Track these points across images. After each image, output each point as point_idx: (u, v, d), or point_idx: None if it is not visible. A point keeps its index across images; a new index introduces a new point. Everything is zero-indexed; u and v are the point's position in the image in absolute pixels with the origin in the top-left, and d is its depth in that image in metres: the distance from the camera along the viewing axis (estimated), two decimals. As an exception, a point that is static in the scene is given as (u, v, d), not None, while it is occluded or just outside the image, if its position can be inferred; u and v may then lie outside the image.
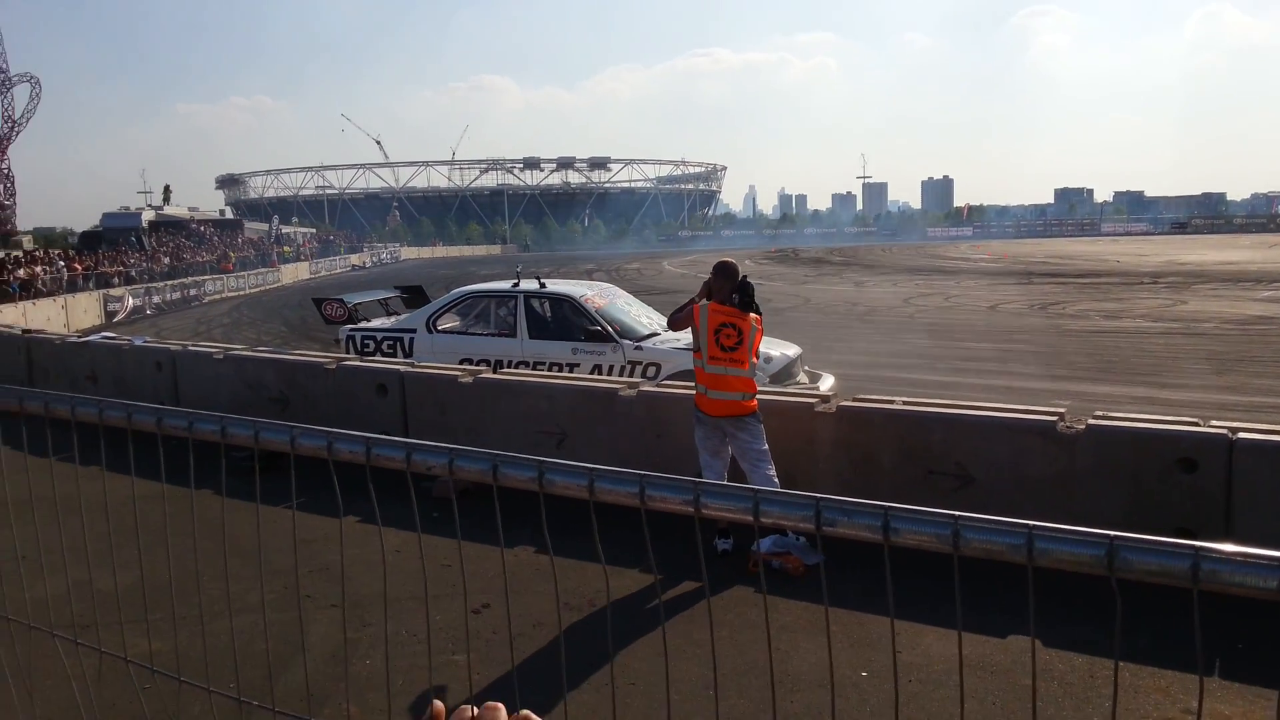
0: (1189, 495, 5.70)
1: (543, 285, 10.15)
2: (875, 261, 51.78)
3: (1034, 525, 1.32)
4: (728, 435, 6.04)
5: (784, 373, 9.14)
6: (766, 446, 6.00)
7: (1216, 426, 5.87)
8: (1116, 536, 1.19)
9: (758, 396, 6.10)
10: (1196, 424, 6.07)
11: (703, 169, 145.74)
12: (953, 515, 1.25)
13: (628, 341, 9.49)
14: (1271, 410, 10.38)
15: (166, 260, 41.56)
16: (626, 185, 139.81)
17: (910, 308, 24.12)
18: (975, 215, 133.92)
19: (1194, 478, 5.68)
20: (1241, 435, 5.67)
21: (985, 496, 6.16)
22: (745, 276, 6.18)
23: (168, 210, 67.28)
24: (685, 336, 9.89)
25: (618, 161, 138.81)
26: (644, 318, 10.32)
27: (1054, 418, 6.22)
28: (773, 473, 5.96)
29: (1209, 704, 4.05)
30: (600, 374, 9.17)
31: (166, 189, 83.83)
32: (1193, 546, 1.18)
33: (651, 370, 9.25)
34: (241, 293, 39.57)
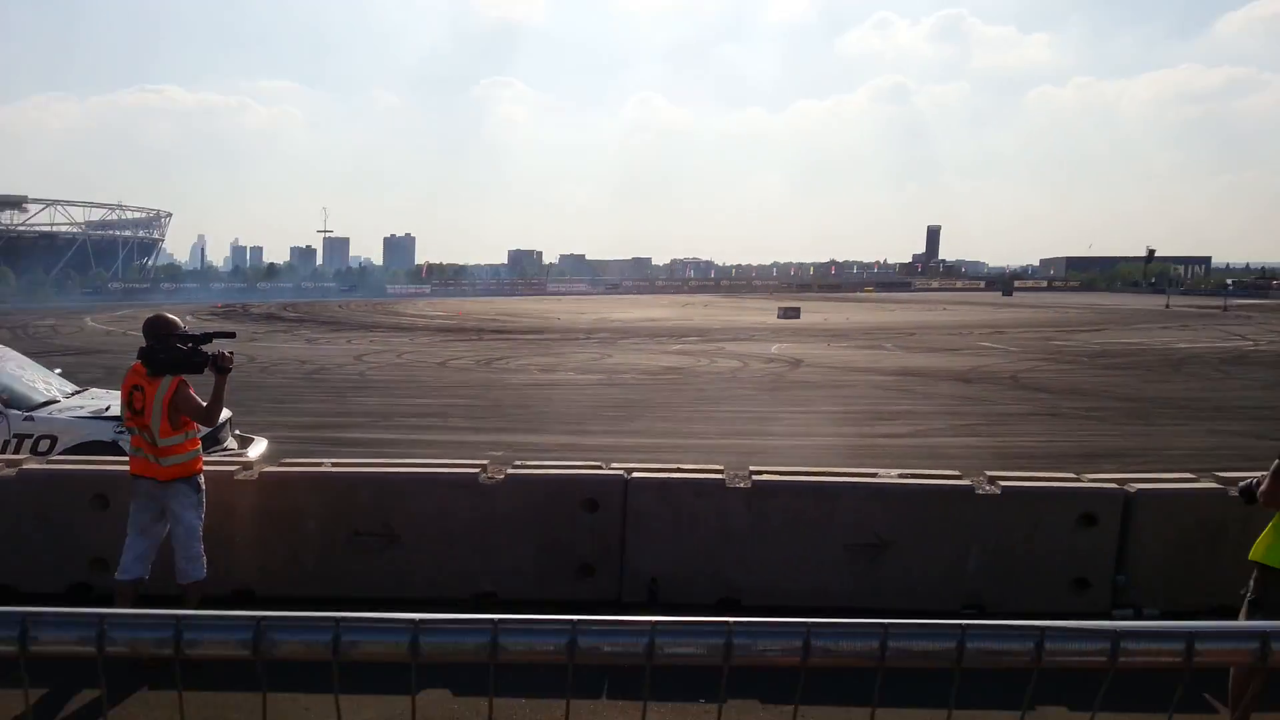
0: (591, 533, 6.25)
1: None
2: (332, 318, 51.00)
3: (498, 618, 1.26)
4: (163, 507, 5.36)
5: (208, 439, 8.44)
6: (198, 524, 5.40)
7: (615, 468, 6.53)
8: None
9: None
10: (599, 466, 6.71)
11: (143, 214, 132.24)
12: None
13: (15, 411, 8.13)
14: (669, 450, 11.93)
15: None
16: (47, 229, 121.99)
17: (363, 365, 24.04)
18: (435, 273, 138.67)
19: (595, 516, 6.24)
20: (635, 475, 6.37)
21: (411, 553, 6.19)
22: (188, 333, 5.53)
23: None
24: (91, 403, 8.74)
25: (37, 202, 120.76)
26: (40, 383, 8.93)
27: (477, 469, 6.46)
28: (200, 552, 5.38)
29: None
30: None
31: None
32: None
33: (45, 444, 8.00)
34: None
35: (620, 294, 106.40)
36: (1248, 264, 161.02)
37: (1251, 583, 4.11)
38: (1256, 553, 4.11)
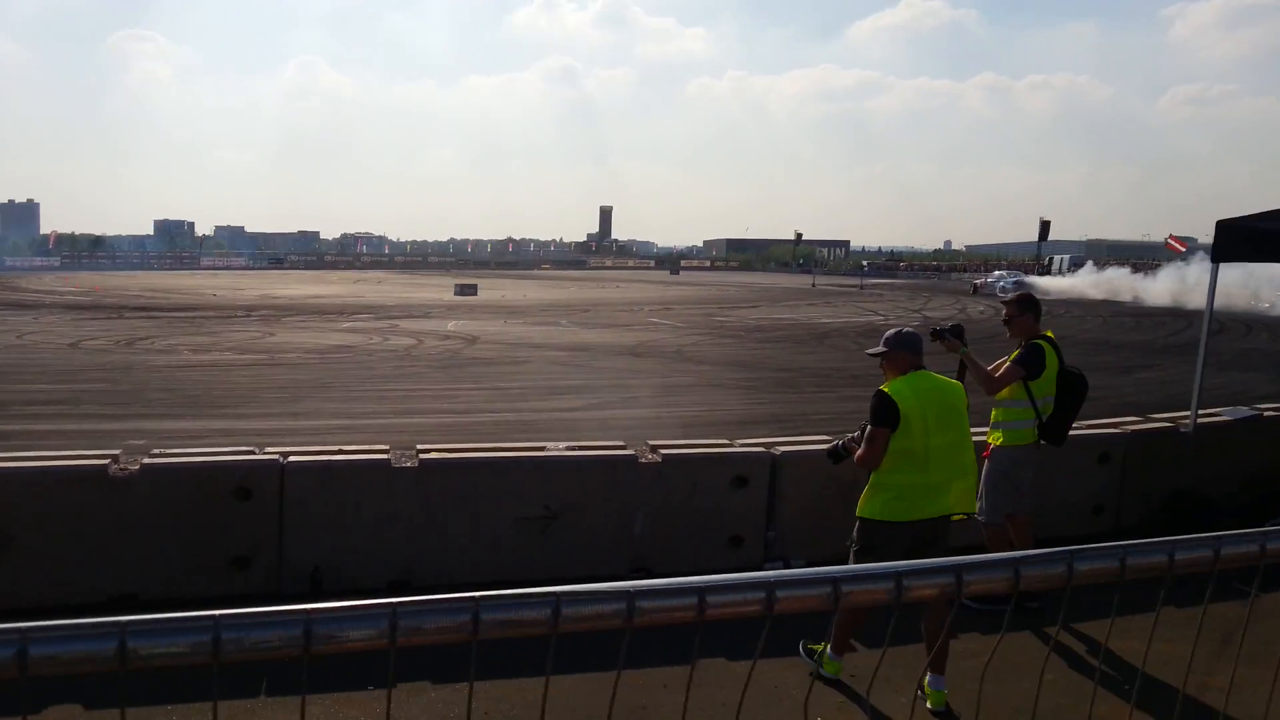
0: (245, 523, 5.79)
1: None
2: (-67, 294, 43.95)
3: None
4: None
5: None
6: None
7: (270, 453, 6.09)
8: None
9: None
10: (252, 452, 6.23)
11: None
12: None
13: None
14: (336, 431, 11.39)
15: None
16: None
17: (-28, 347, 20.88)
18: (65, 244, 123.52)
19: (249, 505, 5.78)
20: (293, 459, 5.97)
21: (28, 558, 5.41)
22: None
23: None
24: None
25: None
26: None
27: (106, 460, 5.77)
28: None
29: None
30: None
31: None
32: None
33: None
34: None
35: (286, 269, 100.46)
36: (879, 248, 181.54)
37: (855, 534, 4.76)
38: (859, 509, 4.74)
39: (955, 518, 4.77)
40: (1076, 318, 35.07)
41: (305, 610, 1.33)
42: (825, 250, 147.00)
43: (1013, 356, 5.92)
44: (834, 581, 1.54)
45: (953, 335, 5.65)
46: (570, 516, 6.17)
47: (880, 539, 4.63)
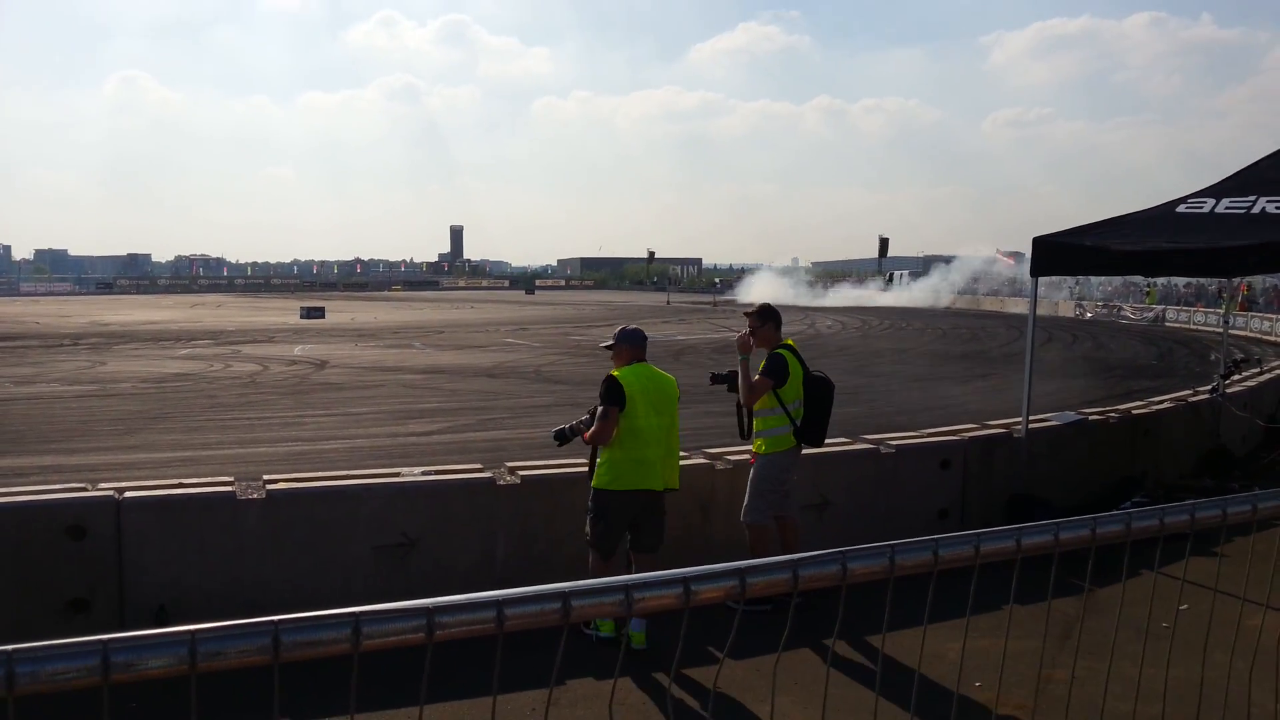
0: (80, 564, 5.46)
1: None
2: None
3: None
4: None
5: None
6: None
7: (104, 489, 5.76)
8: None
9: None
10: (84, 488, 5.88)
11: None
12: None
13: None
14: (177, 464, 10.85)
15: None
16: None
17: None
18: None
19: (84, 544, 5.46)
20: (129, 495, 5.67)
21: None
22: None
23: None
24: None
25: None
26: None
27: (-83, 505, 5.33)
28: None
29: None
30: None
31: None
32: None
33: None
34: None
35: (115, 294, 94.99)
36: (731, 265, 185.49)
37: (590, 503, 5.60)
38: (594, 481, 5.58)
39: (668, 490, 5.63)
40: (917, 330, 36.82)
41: (103, 640, 1.30)
42: (679, 268, 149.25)
43: (759, 369, 6.32)
44: (626, 589, 1.64)
45: (727, 379, 6.40)
46: (430, 543, 6.07)
47: (611, 506, 5.48)
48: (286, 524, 5.85)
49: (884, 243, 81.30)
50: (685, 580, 1.67)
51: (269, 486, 5.94)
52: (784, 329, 6.64)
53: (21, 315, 49.30)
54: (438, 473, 6.58)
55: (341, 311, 51.56)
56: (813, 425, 6.30)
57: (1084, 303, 51.56)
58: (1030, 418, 8.43)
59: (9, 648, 1.24)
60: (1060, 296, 53.85)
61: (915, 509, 7.53)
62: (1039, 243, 8.18)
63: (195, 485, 6.02)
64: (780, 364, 6.23)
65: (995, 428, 8.66)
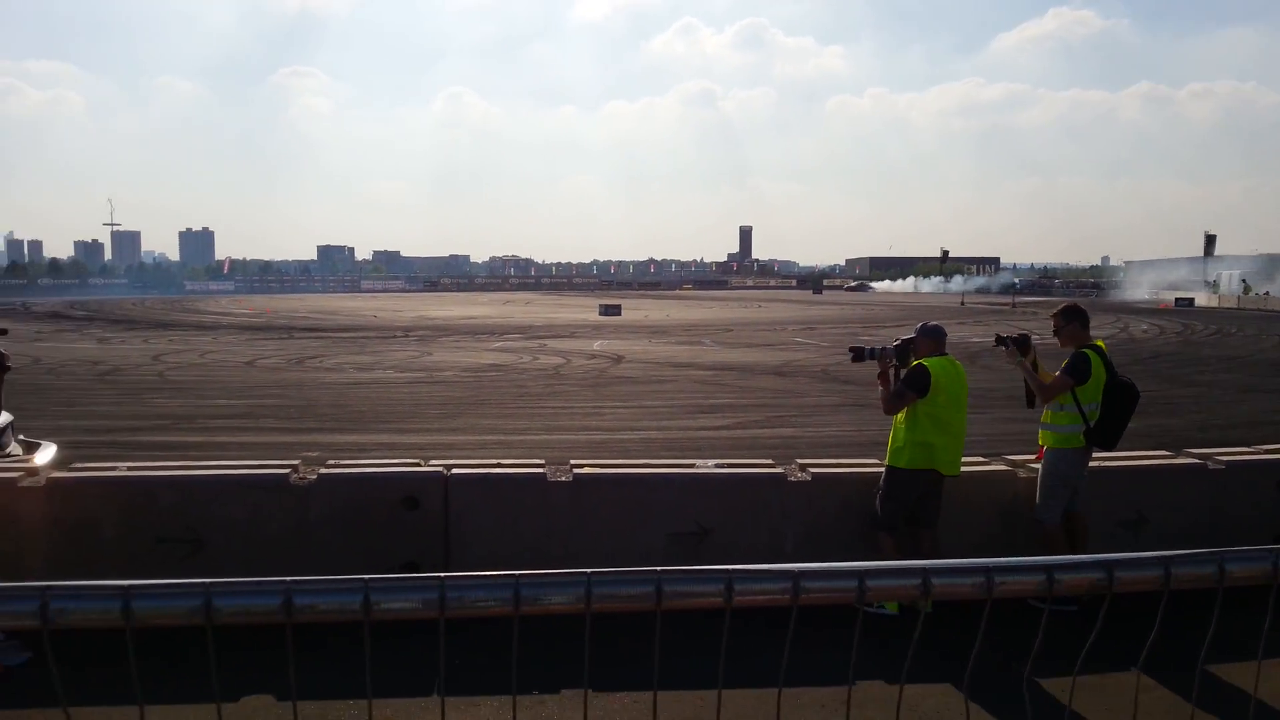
0: (413, 531, 6.10)
1: None
2: (125, 315, 47.70)
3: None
4: None
5: (-14, 444, 7.71)
6: None
7: (435, 465, 6.40)
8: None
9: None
10: (418, 464, 6.56)
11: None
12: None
13: None
14: (492, 446, 11.80)
15: None
16: None
17: (161, 365, 22.57)
18: (238, 269, 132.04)
19: (416, 514, 6.09)
20: (456, 471, 6.25)
21: (220, 559, 5.86)
22: None
23: None
24: None
25: None
26: None
27: (287, 470, 6.19)
28: None
29: None
30: None
31: None
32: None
33: None
34: None
35: (439, 291, 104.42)
36: (1031, 264, 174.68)
37: (881, 482, 5.96)
38: (889, 460, 5.95)
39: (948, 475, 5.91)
40: (1249, 337, 32.88)
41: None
42: (974, 267, 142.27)
43: (1064, 365, 6.14)
44: (924, 573, 1.66)
45: (1014, 345, 6.17)
46: (721, 534, 6.23)
47: (904, 485, 5.86)
48: (590, 506, 6.21)
49: (1210, 239, 73.15)
50: (988, 570, 1.64)
51: (575, 471, 6.33)
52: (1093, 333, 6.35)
53: (361, 310, 55.47)
54: (730, 466, 6.73)
55: (636, 309, 53.66)
56: (1106, 429, 6.04)
57: None
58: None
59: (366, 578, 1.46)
60: None
61: (1245, 533, 6.76)
62: None
63: (511, 465, 6.54)
64: (1083, 363, 6.04)
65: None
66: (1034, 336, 6.49)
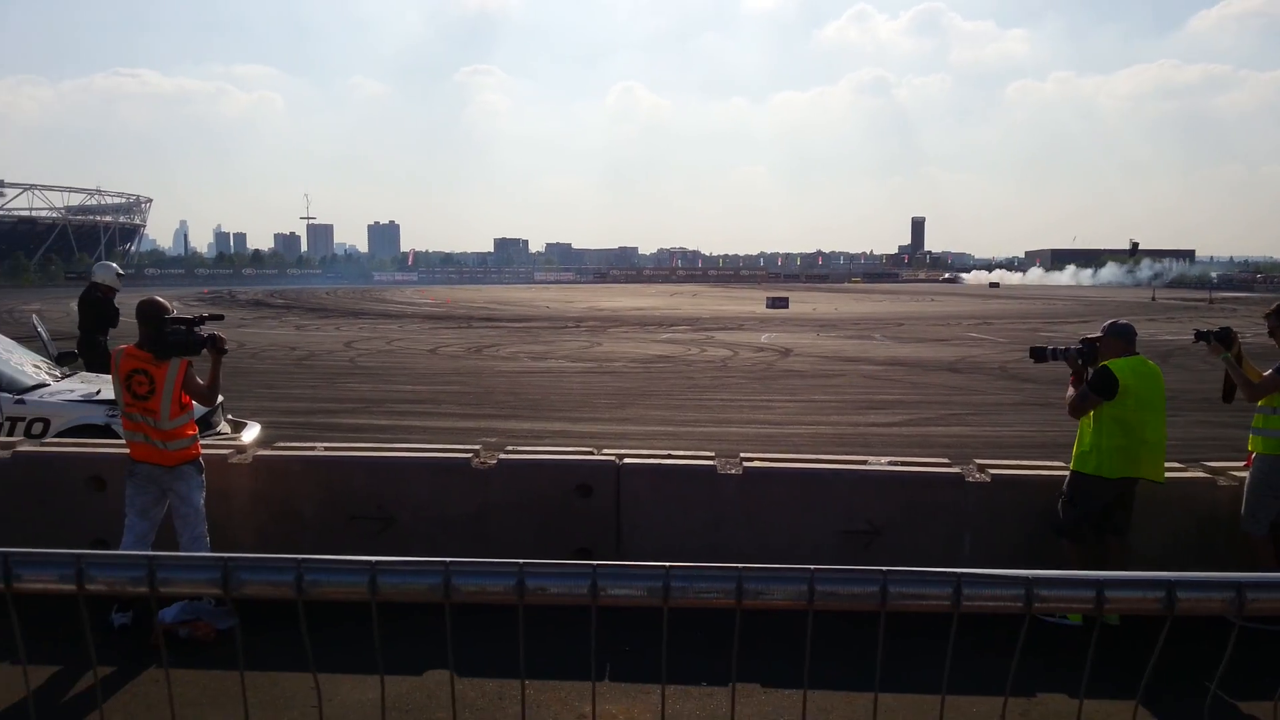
0: (586, 517, 6.29)
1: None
2: (320, 304, 50.90)
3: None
4: (166, 489, 5.40)
5: (201, 423, 8.44)
6: (202, 504, 5.48)
7: (607, 454, 6.56)
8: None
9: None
10: (591, 452, 6.74)
11: (123, 199, 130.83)
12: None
13: (6, 395, 8.10)
14: (661, 437, 11.96)
15: None
16: (26, 213, 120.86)
17: (352, 351, 23.99)
18: (421, 261, 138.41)
19: (589, 501, 6.28)
20: (628, 461, 6.40)
21: (407, 536, 6.22)
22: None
23: None
24: (81, 387, 8.71)
25: (13, 186, 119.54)
26: (29, 366, 8.90)
27: (469, 454, 6.49)
28: (204, 531, 5.45)
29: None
30: (-33, 434, 7.70)
31: None
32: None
33: (38, 427, 7.98)
34: None
35: (608, 283, 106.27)
36: (1231, 257, 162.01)
37: (1065, 486, 5.78)
38: (1074, 464, 5.78)
39: (1146, 481, 5.64)
40: None
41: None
42: (1166, 260, 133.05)
43: (1277, 365, 5.74)
44: (1099, 585, 1.62)
45: (1216, 339, 5.93)
46: (893, 534, 6.13)
47: (1090, 492, 5.63)
48: (759, 500, 6.23)
49: None
50: (1170, 584, 1.57)
51: (745, 464, 6.37)
52: None
53: (534, 300, 57.15)
54: (904, 464, 6.60)
55: (803, 302, 53.03)
56: None
57: None
58: None
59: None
60: None
61: None
62: None
63: (682, 457, 6.63)
64: None
65: None
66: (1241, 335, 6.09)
